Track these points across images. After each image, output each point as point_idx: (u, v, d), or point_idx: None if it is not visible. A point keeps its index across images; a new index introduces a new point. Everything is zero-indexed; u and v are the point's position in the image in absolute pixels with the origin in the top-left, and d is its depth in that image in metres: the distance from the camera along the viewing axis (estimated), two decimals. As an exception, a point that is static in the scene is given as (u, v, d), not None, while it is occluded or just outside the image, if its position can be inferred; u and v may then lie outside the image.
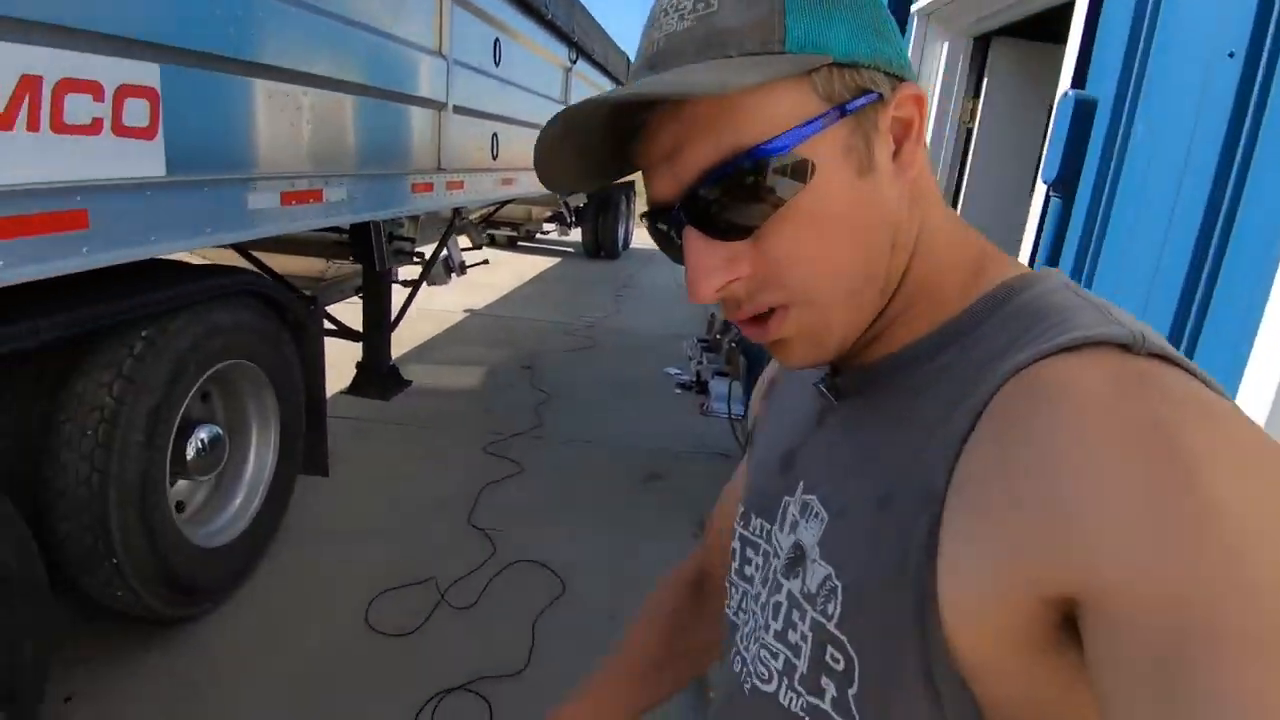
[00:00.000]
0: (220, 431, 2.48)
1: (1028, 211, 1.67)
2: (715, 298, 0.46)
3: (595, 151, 0.49)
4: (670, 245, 0.50)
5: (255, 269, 3.32)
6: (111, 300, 1.92)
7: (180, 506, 2.48)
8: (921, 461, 0.44)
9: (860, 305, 0.48)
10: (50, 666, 1.73)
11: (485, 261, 5.37)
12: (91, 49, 1.68)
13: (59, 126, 1.63)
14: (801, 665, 0.49)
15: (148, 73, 1.85)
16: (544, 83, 4.92)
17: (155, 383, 2.04)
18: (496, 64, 3.99)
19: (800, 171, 0.43)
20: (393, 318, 3.64)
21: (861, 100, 0.44)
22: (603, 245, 11.05)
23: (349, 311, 3.65)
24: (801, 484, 0.55)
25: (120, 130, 1.80)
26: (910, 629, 0.42)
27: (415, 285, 3.94)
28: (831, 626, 0.47)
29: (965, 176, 2.33)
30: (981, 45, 2.24)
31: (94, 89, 1.71)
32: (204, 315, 2.24)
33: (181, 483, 2.45)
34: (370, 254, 3.30)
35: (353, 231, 3.32)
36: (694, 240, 0.46)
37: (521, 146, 4.62)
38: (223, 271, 2.44)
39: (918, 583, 0.42)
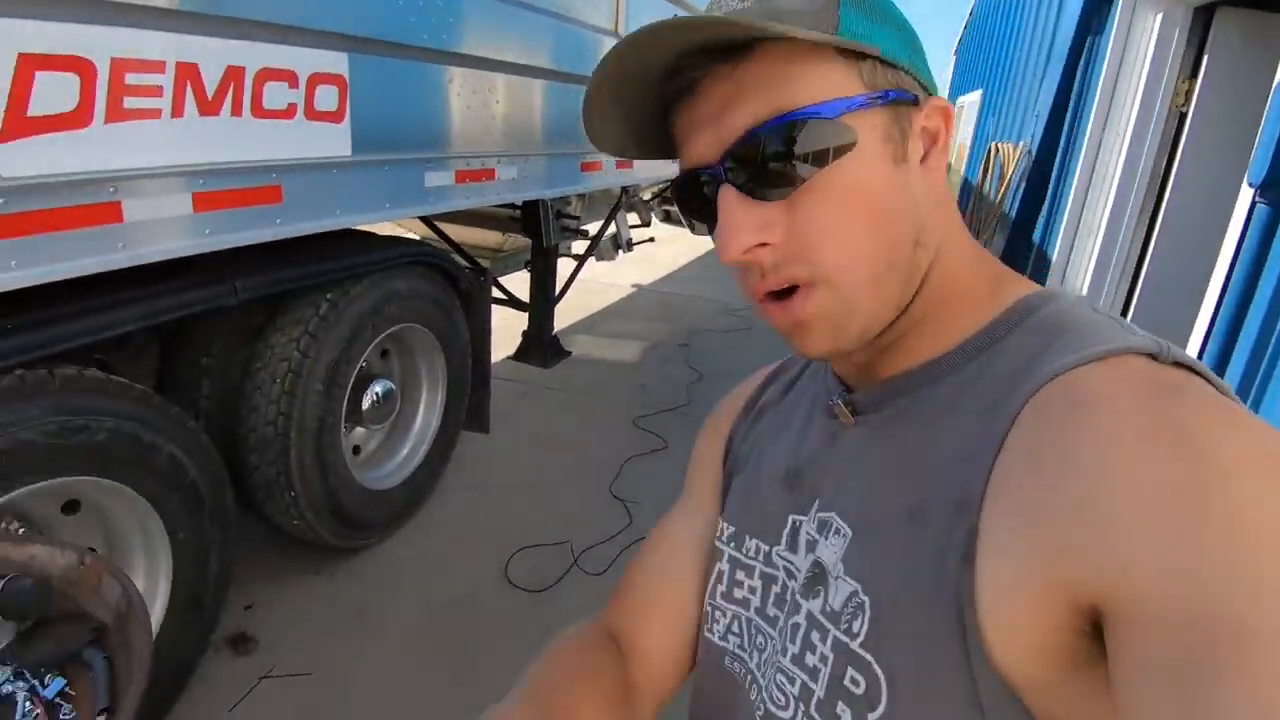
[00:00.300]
0: (393, 386, 2.75)
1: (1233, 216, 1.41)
2: (742, 258, 0.47)
3: (639, 108, 0.49)
4: (700, 213, 0.50)
5: (438, 239, 3.62)
6: (301, 266, 2.17)
7: (356, 450, 2.79)
8: (953, 473, 0.44)
9: (883, 296, 0.48)
10: (232, 579, 2.03)
11: (652, 239, 5.45)
12: (288, 41, 1.89)
13: (259, 111, 1.86)
14: (819, 689, 0.48)
15: (338, 61, 2.06)
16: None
17: (335, 340, 2.30)
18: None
19: (844, 138, 0.44)
20: (557, 291, 3.82)
21: (900, 94, 0.46)
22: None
23: (521, 283, 3.87)
24: (817, 502, 0.54)
25: (312, 114, 2.02)
26: (949, 644, 0.41)
27: (580, 260, 4.10)
28: (855, 645, 0.46)
29: (1174, 168, 2.00)
30: (1203, 16, 1.90)
31: (289, 77, 1.93)
32: (382, 282, 2.48)
33: (358, 430, 2.75)
34: (538, 229, 3.47)
35: (524, 208, 3.50)
36: (730, 200, 0.46)
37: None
38: (401, 243, 2.68)
39: (956, 595, 0.41)
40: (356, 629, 2.32)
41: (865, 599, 0.46)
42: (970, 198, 6.78)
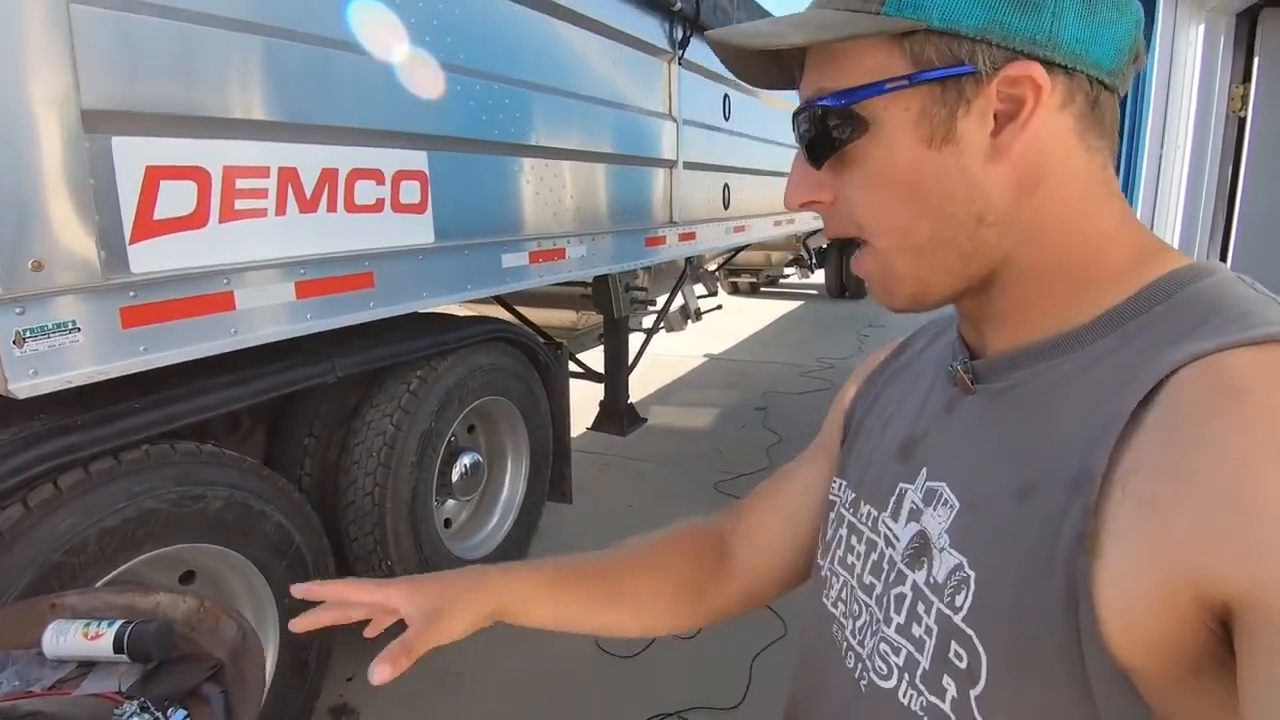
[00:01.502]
0: (480, 458, 2.86)
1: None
2: (795, 207, 0.53)
3: (768, 64, 0.53)
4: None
5: (515, 320, 3.80)
6: (392, 344, 2.33)
7: (448, 523, 2.88)
8: (1072, 449, 0.42)
9: (933, 267, 0.48)
10: (334, 649, 2.10)
11: (719, 307, 5.53)
12: (374, 143, 2.10)
13: (351, 207, 2.06)
14: (925, 661, 0.48)
15: (418, 159, 2.27)
16: (777, 130, 5.03)
17: (426, 413, 2.43)
18: (726, 119, 4.18)
19: (855, 125, 0.46)
20: (630, 360, 3.91)
21: (942, 72, 0.44)
22: (847, 285, 10.69)
23: (597, 357, 3.99)
24: (925, 470, 0.53)
25: (398, 207, 2.21)
26: (1056, 625, 0.40)
27: (650, 331, 4.20)
28: (958, 619, 0.45)
29: (1241, 174, 1.95)
30: (1247, 20, 1.89)
31: (377, 175, 2.13)
32: (466, 357, 2.62)
33: (450, 502, 2.85)
34: (608, 303, 3.60)
35: (594, 284, 3.66)
36: (797, 159, 0.52)
37: (754, 194, 4.75)
38: (482, 320, 2.84)
39: (1069, 575, 0.39)
40: (453, 699, 2.35)
41: (971, 574, 0.45)
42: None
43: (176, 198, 1.63)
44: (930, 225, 0.47)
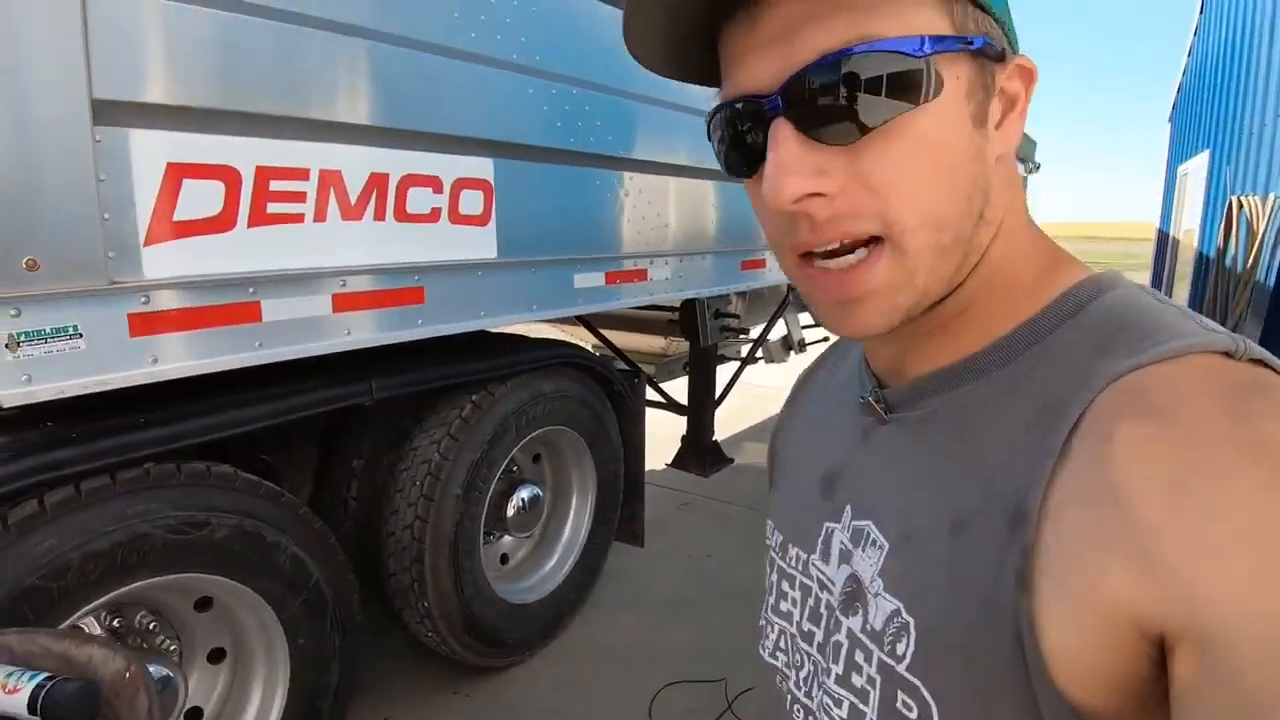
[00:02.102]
0: (540, 492, 2.65)
1: None
2: (794, 207, 0.40)
3: (685, 19, 0.42)
4: (740, 151, 0.43)
5: (597, 343, 3.60)
6: (441, 366, 2.16)
7: (505, 559, 2.69)
8: (1003, 482, 0.40)
9: (943, 269, 0.42)
10: (355, 690, 1.92)
11: (826, 339, 5.13)
12: (431, 148, 1.95)
13: (402, 216, 1.90)
14: (871, 713, 0.46)
15: (483, 167, 2.10)
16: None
17: (477, 442, 2.24)
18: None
19: (931, 83, 0.39)
20: (718, 393, 3.62)
21: (991, 45, 0.40)
22: None
23: (683, 386, 3.72)
24: (849, 509, 0.50)
25: (456, 218, 2.05)
26: (1006, 670, 0.38)
27: (744, 362, 3.89)
28: (902, 669, 0.43)
29: None
30: None
31: (434, 183, 1.97)
32: (528, 383, 2.43)
33: (506, 538, 2.65)
34: (695, 330, 3.34)
35: (681, 308, 3.40)
36: (786, 137, 0.40)
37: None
38: (548, 344, 2.64)
39: (1014, 617, 0.38)
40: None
41: (909, 619, 0.43)
42: (1210, 270, 5.81)
43: (201, 198, 1.52)
44: (958, 215, 0.41)
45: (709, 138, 0.46)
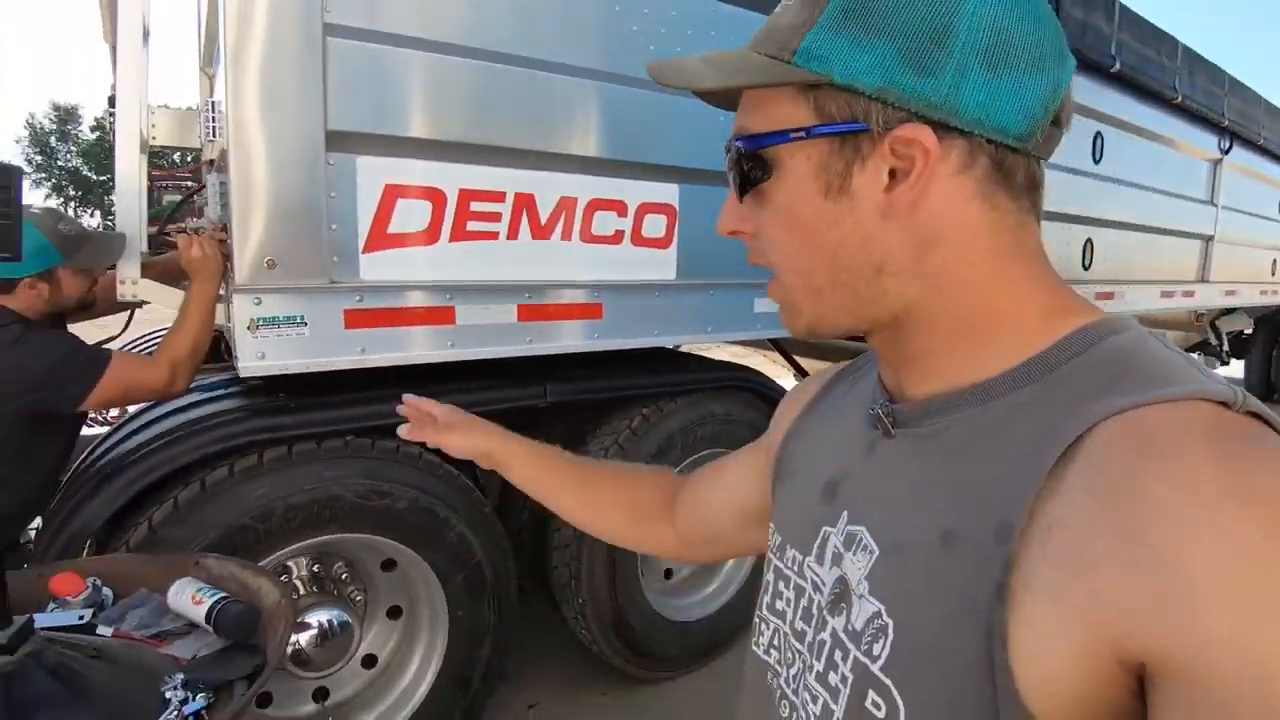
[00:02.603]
0: (707, 514, 2.66)
1: None
2: (725, 234, 0.54)
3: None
4: None
5: (790, 369, 3.53)
6: (611, 378, 2.28)
7: (669, 574, 2.74)
8: (995, 499, 0.43)
9: (829, 306, 0.50)
10: (508, 672, 2.09)
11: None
12: (620, 174, 2.08)
13: (587, 237, 2.05)
14: (838, 710, 0.49)
15: (669, 192, 2.19)
16: (1175, 179, 3.99)
17: (642, 455, 2.33)
18: (1096, 160, 3.41)
19: (763, 168, 0.49)
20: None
21: (839, 127, 0.45)
22: (1277, 384, 7.91)
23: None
24: (846, 514, 0.53)
25: (638, 240, 2.16)
26: (975, 678, 0.40)
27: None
28: (876, 669, 0.46)
29: None
30: None
31: (619, 207, 2.10)
32: (698, 403, 2.47)
33: (673, 553, 2.70)
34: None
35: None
36: (731, 189, 0.53)
37: (1131, 254, 3.82)
38: (722, 366, 2.66)
39: (987, 628, 0.40)
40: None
41: (889, 621, 0.46)
42: None
43: (411, 215, 1.77)
44: (827, 270, 0.49)
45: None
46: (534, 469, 0.88)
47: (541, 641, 2.67)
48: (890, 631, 0.45)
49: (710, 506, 0.80)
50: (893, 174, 0.45)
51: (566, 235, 2.02)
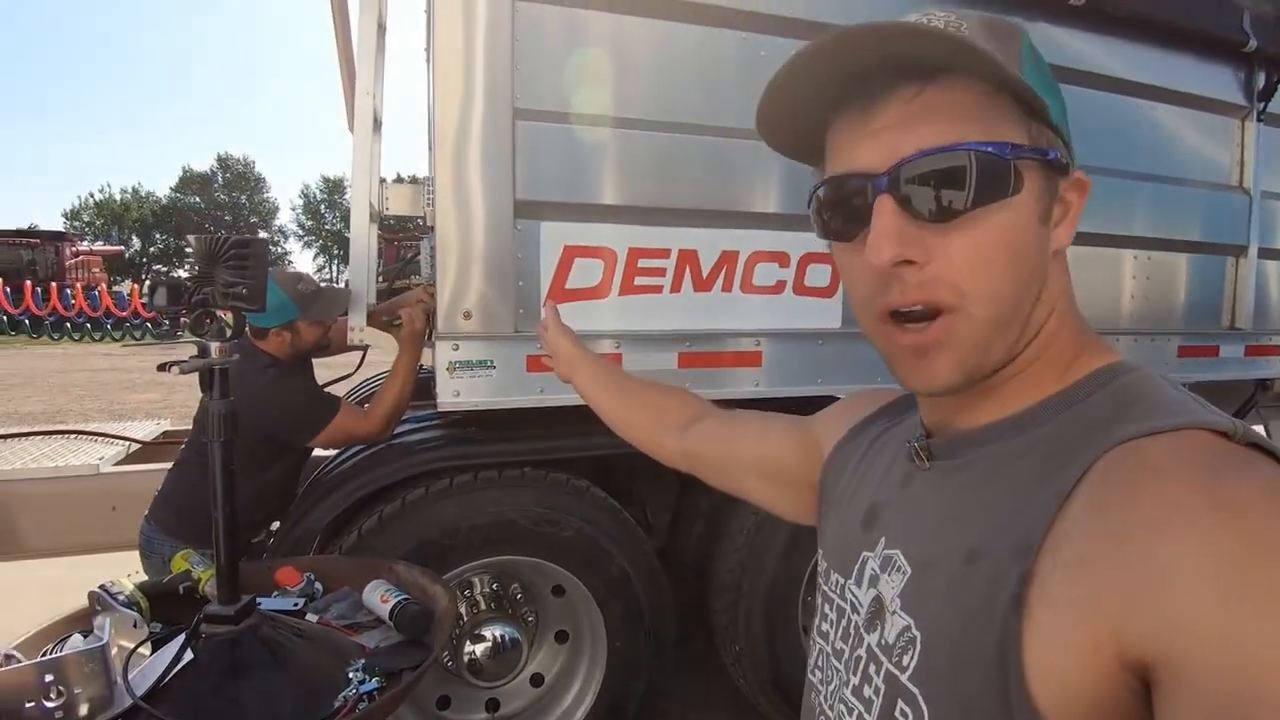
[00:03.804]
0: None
1: None
2: (890, 262, 0.47)
3: (811, 108, 0.52)
4: (841, 218, 0.51)
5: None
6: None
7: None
8: (1015, 519, 0.45)
9: (1005, 339, 0.49)
10: (659, 705, 2.15)
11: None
12: (781, 227, 2.15)
13: (747, 288, 2.14)
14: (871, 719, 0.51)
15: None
16: None
17: (804, 504, 2.32)
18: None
19: (1011, 182, 0.46)
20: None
21: (1057, 155, 0.48)
22: None
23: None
24: (883, 539, 0.56)
25: (800, 290, 2.21)
26: (990, 685, 0.43)
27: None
28: (905, 678, 0.48)
29: None
30: None
31: (781, 258, 2.17)
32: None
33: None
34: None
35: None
36: (888, 210, 0.47)
37: None
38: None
39: (1002, 635, 0.42)
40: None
41: (917, 634, 0.49)
42: None
43: (586, 272, 1.97)
44: (1019, 298, 0.48)
45: (808, 205, 0.55)
46: (588, 376, 1.03)
47: (707, 691, 2.71)
48: (918, 643, 0.48)
49: (733, 443, 0.86)
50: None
51: (728, 287, 2.12)
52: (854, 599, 0.58)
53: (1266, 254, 2.77)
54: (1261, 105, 2.59)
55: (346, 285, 2.11)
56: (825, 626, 0.62)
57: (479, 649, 1.98)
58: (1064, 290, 0.52)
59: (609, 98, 1.91)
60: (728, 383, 2.14)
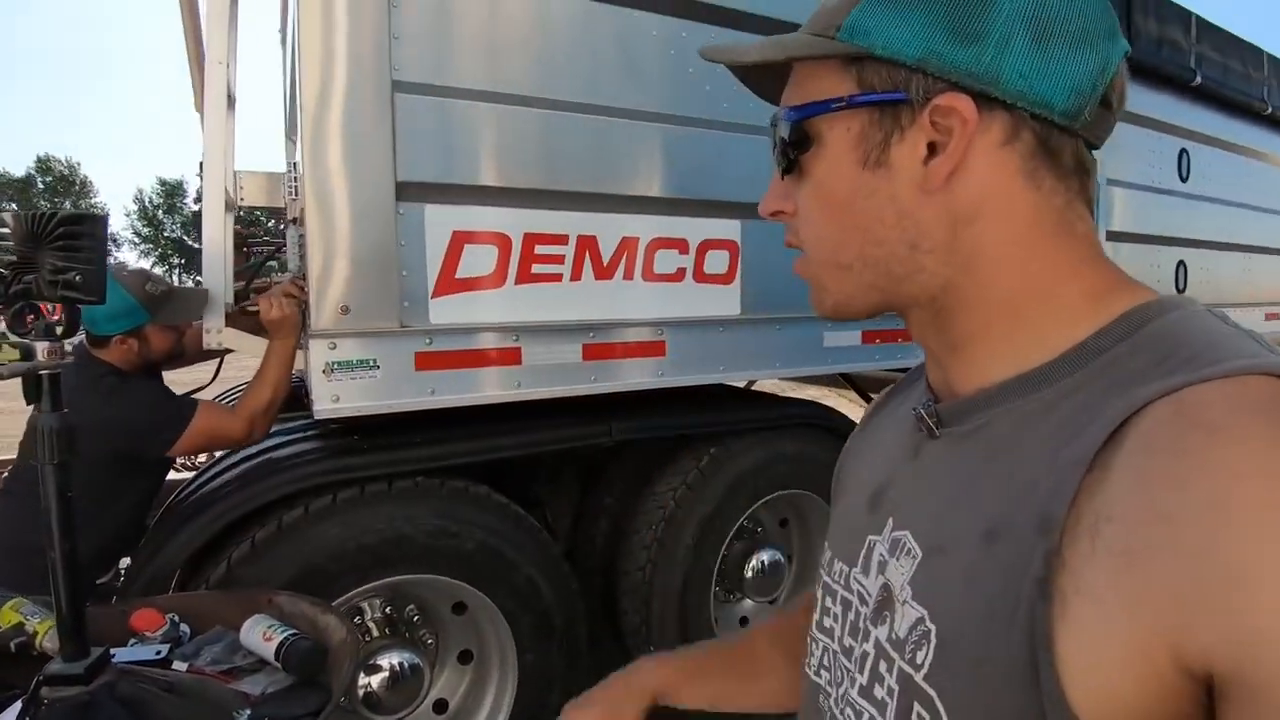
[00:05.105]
0: (781, 558, 2.58)
1: None
2: (767, 215, 0.53)
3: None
4: None
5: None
6: (677, 415, 2.26)
7: (744, 621, 2.65)
8: (1038, 490, 0.40)
9: (855, 284, 0.49)
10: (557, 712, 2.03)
11: None
12: (681, 213, 2.09)
13: (649, 275, 2.06)
14: None
15: (730, 229, 2.19)
16: (1272, 194, 3.75)
17: (710, 496, 2.28)
18: (1184, 179, 3.24)
19: (803, 141, 0.48)
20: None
21: (878, 96, 0.45)
22: None
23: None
24: (891, 520, 0.51)
25: (700, 277, 2.16)
26: (1017, 686, 0.38)
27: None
28: (920, 678, 0.44)
29: None
30: None
31: (681, 245, 2.11)
32: (769, 442, 2.41)
33: (747, 601, 2.62)
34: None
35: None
36: (774, 168, 0.53)
37: (1237, 276, 3.59)
38: (789, 403, 2.60)
39: (1029, 627, 0.37)
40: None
41: (931, 627, 0.44)
42: None
43: (477, 260, 1.82)
44: (858, 245, 0.48)
45: None
46: (701, 685, 0.77)
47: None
48: (933, 638, 0.43)
49: None
50: (931, 148, 0.44)
51: (629, 274, 2.03)
52: (861, 589, 0.53)
53: (1115, 236, 3.01)
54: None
55: (199, 285, 1.85)
56: (829, 622, 0.57)
57: (375, 680, 1.78)
58: (990, 238, 0.45)
59: (500, 70, 1.77)
60: (632, 374, 2.06)
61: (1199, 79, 3.00)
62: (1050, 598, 0.37)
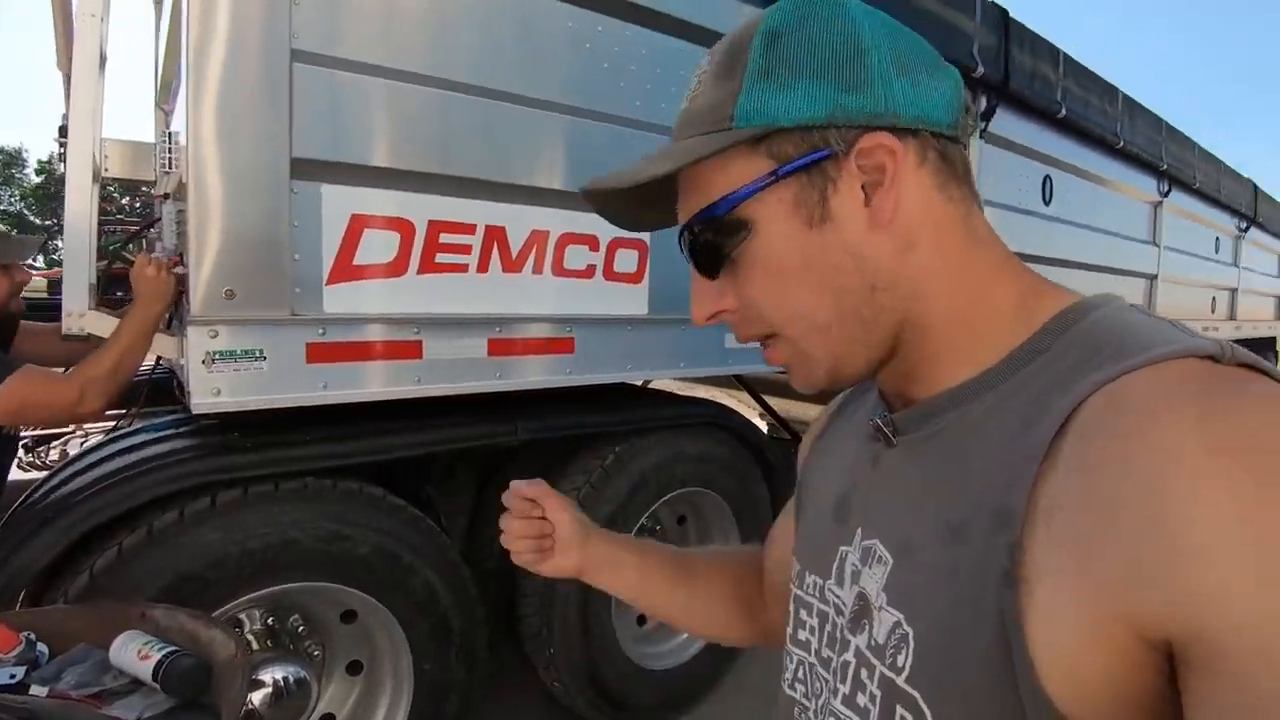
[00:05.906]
0: (680, 556, 2.59)
1: None
2: (705, 322, 0.53)
3: (655, 196, 0.53)
4: None
5: (758, 407, 3.51)
6: (582, 414, 2.22)
7: (641, 620, 2.65)
8: (992, 485, 0.42)
9: (841, 340, 0.49)
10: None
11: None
12: (591, 209, 2.05)
13: (559, 270, 2.02)
14: None
15: (640, 227, 2.18)
16: (1120, 220, 4.16)
17: (614, 494, 2.26)
18: (1047, 202, 3.53)
19: (738, 228, 0.49)
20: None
21: (803, 160, 0.47)
22: None
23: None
24: (860, 530, 0.53)
25: (610, 275, 2.13)
26: (993, 677, 0.39)
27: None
28: (901, 681, 0.45)
29: None
30: None
31: (591, 241, 2.07)
32: (670, 441, 2.42)
33: (646, 598, 2.61)
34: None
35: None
36: (692, 274, 0.53)
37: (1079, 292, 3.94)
38: (692, 402, 2.62)
39: (999, 617, 0.39)
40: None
41: (909, 630, 0.45)
42: None
43: (378, 246, 1.71)
44: (830, 301, 0.49)
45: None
46: (638, 573, 0.78)
47: (514, 696, 2.54)
48: (911, 640, 0.45)
49: (771, 574, 0.76)
50: (864, 189, 0.47)
51: (538, 269, 1.99)
52: (836, 600, 0.54)
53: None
54: (984, 125, 3.00)
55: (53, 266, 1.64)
56: (804, 635, 0.58)
57: (258, 697, 1.64)
58: (933, 261, 0.48)
59: (413, 46, 1.68)
60: (539, 371, 2.01)
61: (1064, 111, 3.27)
62: (1016, 586, 0.39)
